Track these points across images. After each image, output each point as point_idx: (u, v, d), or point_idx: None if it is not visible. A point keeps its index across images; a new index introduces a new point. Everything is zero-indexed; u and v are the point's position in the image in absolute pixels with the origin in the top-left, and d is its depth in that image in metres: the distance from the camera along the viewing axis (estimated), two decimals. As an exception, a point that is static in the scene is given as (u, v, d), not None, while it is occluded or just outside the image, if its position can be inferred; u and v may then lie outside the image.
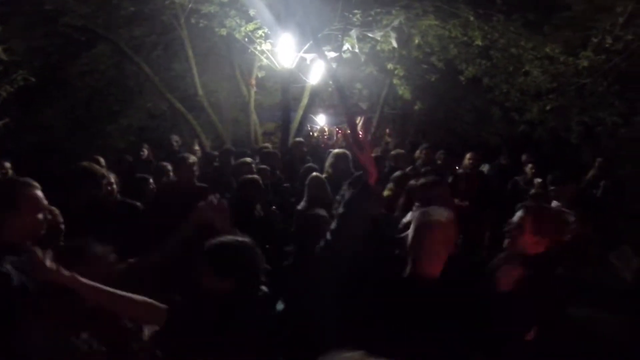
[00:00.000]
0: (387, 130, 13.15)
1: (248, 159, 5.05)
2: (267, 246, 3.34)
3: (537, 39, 6.55)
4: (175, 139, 7.24)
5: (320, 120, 15.13)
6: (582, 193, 4.90)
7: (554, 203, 4.60)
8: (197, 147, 7.66)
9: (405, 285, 2.05)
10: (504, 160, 7.40)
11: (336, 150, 4.94)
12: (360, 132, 15.03)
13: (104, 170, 3.55)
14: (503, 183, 6.23)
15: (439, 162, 6.53)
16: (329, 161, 4.80)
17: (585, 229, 4.64)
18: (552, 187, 4.57)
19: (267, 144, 7.42)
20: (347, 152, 4.72)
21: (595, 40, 5.57)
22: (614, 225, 5.47)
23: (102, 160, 4.93)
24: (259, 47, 7.33)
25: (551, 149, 7.34)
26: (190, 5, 7.06)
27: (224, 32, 7.09)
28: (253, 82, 8.41)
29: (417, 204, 3.17)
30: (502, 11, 6.58)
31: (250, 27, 7.06)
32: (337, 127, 16.28)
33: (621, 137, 5.89)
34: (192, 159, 4.02)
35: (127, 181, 4.26)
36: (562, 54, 6.21)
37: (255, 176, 3.96)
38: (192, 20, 7.32)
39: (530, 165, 6.03)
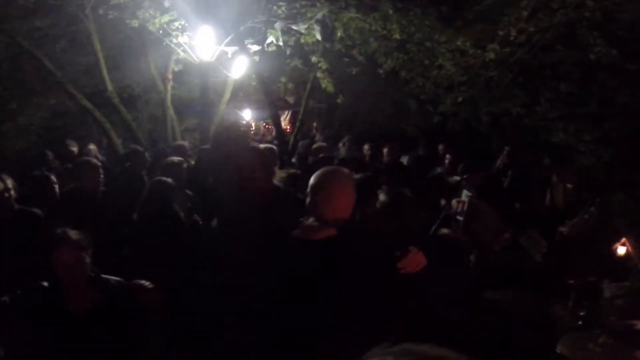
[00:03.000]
0: (314, 124, 13.26)
1: (176, 159, 4.77)
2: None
3: (450, 33, 6.84)
4: (71, 143, 6.81)
5: (247, 115, 14.86)
6: (490, 181, 5.23)
7: (465, 191, 4.90)
8: (91, 147, 7.23)
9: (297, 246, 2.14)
10: (422, 152, 7.73)
11: (262, 146, 4.86)
12: (287, 127, 15.09)
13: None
14: (422, 173, 6.51)
15: (366, 155, 6.73)
16: None
17: (497, 215, 5.01)
18: (463, 176, 4.87)
19: (181, 142, 7.15)
20: (273, 147, 4.69)
21: (501, 33, 5.87)
22: (521, 210, 5.95)
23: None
24: (175, 40, 7.03)
25: (464, 139, 7.76)
26: (97, -5, 6.63)
27: (135, 23, 6.73)
28: (169, 76, 8.08)
29: None
30: (419, 5, 6.82)
31: (166, 19, 6.75)
32: (264, 122, 16.12)
33: (524, 126, 6.35)
34: (93, 162, 3.73)
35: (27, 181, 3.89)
36: (471, 47, 6.52)
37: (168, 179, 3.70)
38: (101, 11, 6.87)
39: (448, 156, 6.33)
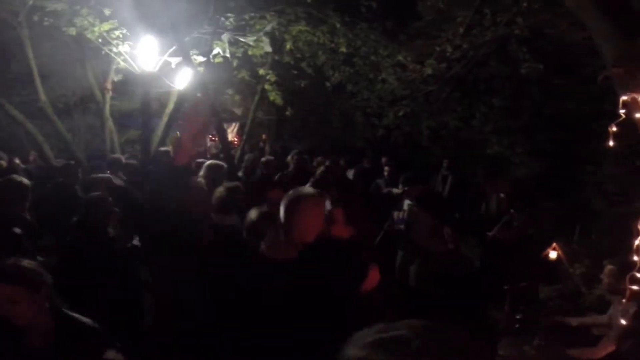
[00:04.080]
0: (263, 136, 13.19)
1: (106, 175, 4.57)
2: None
3: (393, 47, 7.04)
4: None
5: (191, 127, 14.54)
6: (429, 192, 5.39)
7: (406, 201, 5.02)
8: (17, 161, 6.84)
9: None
10: (367, 164, 7.85)
11: (210, 162, 4.72)
12: (235, 139, 14.91)
13: None
14: (366, 186, 6.61)
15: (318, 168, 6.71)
16: (202, 171, 4.59)
17: (438, 224, 5.16)
18: (405, 188, 5.00)
19: (117, 155, 6.86)
20: (222, 164, 4.58)
21: (438, 49, 6.10)
22: (462, 219, 6.16)
23: None
24: (115, 49, 6.81)
25: (407, 152, 7.97)
26: (31, 2, 6.31)
27: (73, 31, 6.46)
28: (109, 86, 7.80)
29: None
30: (365, 19, 6.97)
31: (106, 27, 6.52)
32: (211, 135, 15.81)
33: (462, 139, 6.62)
34: (17, 182, 3.37)
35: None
36: (412, 62, 6.74)
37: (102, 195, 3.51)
38: (36, 18, 6.55)
39: (386, 168, 6.46)
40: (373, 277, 2.34)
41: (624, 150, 4.33)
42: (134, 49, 6.65)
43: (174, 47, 6.49)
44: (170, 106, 7.73)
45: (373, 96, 7.52)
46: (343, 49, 7.13)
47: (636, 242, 2.54)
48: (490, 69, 6.01)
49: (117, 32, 6.63)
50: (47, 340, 1.90)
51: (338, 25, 6.87)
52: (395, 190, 5.63)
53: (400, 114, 6.83)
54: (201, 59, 7.06)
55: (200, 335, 2.32)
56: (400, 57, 6.71)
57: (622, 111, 2.40)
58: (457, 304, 4.98)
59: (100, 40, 6.68)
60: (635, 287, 2.68)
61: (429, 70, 6.08)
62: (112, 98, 8.13)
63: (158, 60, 6.65)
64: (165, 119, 7.65)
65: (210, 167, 4.42)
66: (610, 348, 3.25)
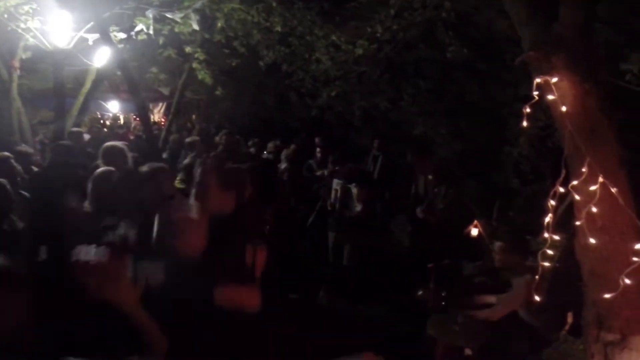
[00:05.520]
0: (193, 116, 12.74)
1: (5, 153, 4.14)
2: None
3: (329, 28, 6.97)
4: None
5: (114, 107, 13.62)
6: (358, 170, 5.47)
7: (335, 181, 5.08)
8: None
9: None
10: (295, 144, 7.81)
11: (108, 144, 4.04)
12: (162, 119, 14.27)
13: None
14: (299, 166, 6.60)
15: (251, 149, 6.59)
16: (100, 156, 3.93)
17: (370, 202, 5.26)
18: (335, 167, 5.05)
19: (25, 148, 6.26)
20: (121, 146, 4.15)
21: (369, 30, 6.13)
22: (390, 198, 6.33)
23: None
24: (23, 25, 6.23)
25: (341, 132, 8.03)
26: None
27: (-27, 6, 5.82)
28: (16, 64, 7.15)
29: None
30: (303, -1, 6.84)
31: (13, 1, 5.94)
32: (134, 114, 15.04)
33: (391, 120, 6.75)
34: None
35: None
36: (345, 43, 6.73)
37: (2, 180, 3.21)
38: None
39: (318, 149, 6.48)
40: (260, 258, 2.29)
41: (539, 131, 4.58)
42: (45, 25, 6.12)
43: (91, 23, 6.04)
44: (87, 85, 7.23)
45: (307, 76, 7.44)
46: (278, 29, 6.96)
47: (546, 220, 2.69)
48: (419, 52, 6.14)
49: (26, 7, 6.11)
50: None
51: (274, 4, 6.69)
52: (326, 171, 5.68)
53: (333, 93, 6.83)
54: (122, 35, 6.63)
55: None
56: (334, 38, 6.67)
57: (535, 93, 2.51)
58: (388, 282, 5.16)
59: (6, 15, 6.08)
60: (546, 264, 2.86)
61: (360, 51, 6.09)
62: (22, 77, 7.48)
63: (73, 37, 6.18)
64: (81, 98, 7.14)
65: (106, 150, 3.87)
66: (502, 312, 3.48)
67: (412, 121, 6.35)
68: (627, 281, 2.19)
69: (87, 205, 2.84)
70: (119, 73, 8.20)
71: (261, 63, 7.81)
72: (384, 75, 6.62)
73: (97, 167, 3.38)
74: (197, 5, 6.37)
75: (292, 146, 7.20)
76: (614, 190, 2.15)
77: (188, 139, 6.34)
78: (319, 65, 7.10)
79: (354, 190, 4.91)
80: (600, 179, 2.19)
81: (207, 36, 7.50)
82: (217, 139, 6.86)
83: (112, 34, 6.42)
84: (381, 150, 6.57)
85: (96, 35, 6.28)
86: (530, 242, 3.84)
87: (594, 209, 2.26)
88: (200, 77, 8.39)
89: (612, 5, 3.88)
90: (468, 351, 3.59)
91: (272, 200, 4.26)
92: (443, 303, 3.98)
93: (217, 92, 9.31)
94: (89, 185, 2.85)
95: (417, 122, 6.24)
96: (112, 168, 3.08)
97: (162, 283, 1.84)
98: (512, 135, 4.98)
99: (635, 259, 2.20)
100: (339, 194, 5.13)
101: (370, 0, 6.58)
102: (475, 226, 4.78)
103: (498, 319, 3.47)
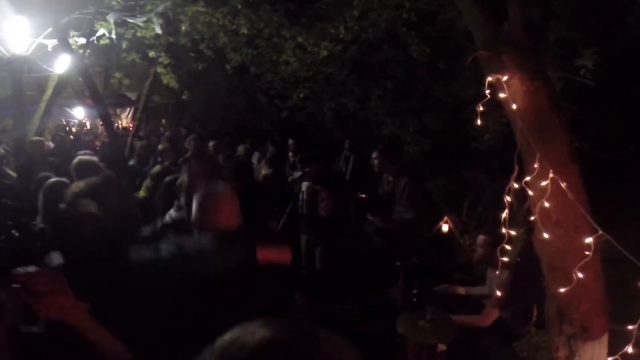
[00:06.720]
0: (163, 121, 12.53)
1: None
2: None
3: (295, 30, 6.94)
4: None
5: (79, 113, 13.26)
6: (326, 170, 5.43)
7: (304, 183, 5.04)
8: None
9: None
10: (272, 147, 7.77)
11: (81, 158, 4.00)
12: (130, 124, 13.99)
13: None
14: (276, 172, 6.52)
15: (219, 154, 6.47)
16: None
17: (338, 203, 5.23)
18: (304, 169, 5.00)
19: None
20: (93, 159, 4.07)
21: (333, 31, 6.14)
22: (367, 198, 6.32)
23: None
24: (-22, 31, 5.99)
25: (312, 133, 8.01)
26: None
27: None
28: (-29, 71, 6.90)
29: None
30: (268, 1, 6.78)
31: (-34, 6, 5.71)
32: (101, 121, 14.71)
33: (361, 120, 6.77)
34: None
35: None
36: (311, 45, 6.72)
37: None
38: None
39: (291, 154, 6.44)
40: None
41: (504, 127, 4.63)
42: (1, 32, 5.92)
43: (50, 29, 5.87)
44: (49, 92, 7.02)
45: (276, 78, 7.41)
46: (245, 31, 6.89)
47: (503, 215, 2.73)
48: (384, 53, 6.17)
49: (-18, 13, 5.86)
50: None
51: (239, 7, 6.61)
52: (298, 173, 5.63)
53: (302, 95, 6.82)
54: (82, 41, 6.45)
55: None
56: (301, 39, 6.64)
57: (487, 91, 2.53)
58: (360, 283, 5.14)
59: (-42, 21, 5.84)
60: (505, 259, 2.88)
61: (324, 52, 6.10)
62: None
63: (31, 43, 6.00)
64: (43, 105, 6.92)
65: (80, 164, 3.79)
66: (493, 316, 3.52)
67: (381, 121, 6.38)
68: (580, 275, 2.22)
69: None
70: (80, 79, 8.01)
71: (227, 66, 7.74)
72: (351, 76, 6.64)
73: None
74: (160, 9, 6.26)
75: (271, 149, 7.14)
76: (563, 185, 2.18)
77: (160, 146, 6.21)
78: (287, 67, 7.09)
79: (321, 192, 4.88)
80: (551, 175, 2.21)
81: (171, 40, 7.36)
82: (185, 143, 6.74)
83: (72, 40, 6.26)
84: (352, 150, 6.57)
85: (55, 41, 6.11)
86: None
87: (547, 204, 2.29)
88: (165, 81, 8.24)
89: (567, 3, 3.97)
90: (442, 347, 3.59)
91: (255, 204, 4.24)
92: (414, 300, 3.97)
93: (184, 97, 9.16)
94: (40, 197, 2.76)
95: (385, 121, 6.27)
96: (64, 179, 2.98)
97: (207, 255, 2.07)
98: (477, 132, 5.04)
99: (588, 252, 2.23)
100: (305, 196, 5.10)
101: (335, 1, 6.61)
102: (446, 222, 4.82)
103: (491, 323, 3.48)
